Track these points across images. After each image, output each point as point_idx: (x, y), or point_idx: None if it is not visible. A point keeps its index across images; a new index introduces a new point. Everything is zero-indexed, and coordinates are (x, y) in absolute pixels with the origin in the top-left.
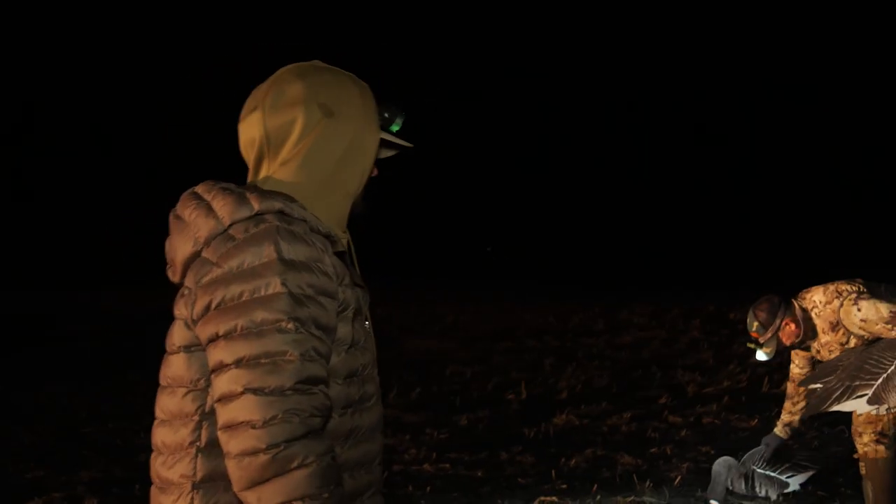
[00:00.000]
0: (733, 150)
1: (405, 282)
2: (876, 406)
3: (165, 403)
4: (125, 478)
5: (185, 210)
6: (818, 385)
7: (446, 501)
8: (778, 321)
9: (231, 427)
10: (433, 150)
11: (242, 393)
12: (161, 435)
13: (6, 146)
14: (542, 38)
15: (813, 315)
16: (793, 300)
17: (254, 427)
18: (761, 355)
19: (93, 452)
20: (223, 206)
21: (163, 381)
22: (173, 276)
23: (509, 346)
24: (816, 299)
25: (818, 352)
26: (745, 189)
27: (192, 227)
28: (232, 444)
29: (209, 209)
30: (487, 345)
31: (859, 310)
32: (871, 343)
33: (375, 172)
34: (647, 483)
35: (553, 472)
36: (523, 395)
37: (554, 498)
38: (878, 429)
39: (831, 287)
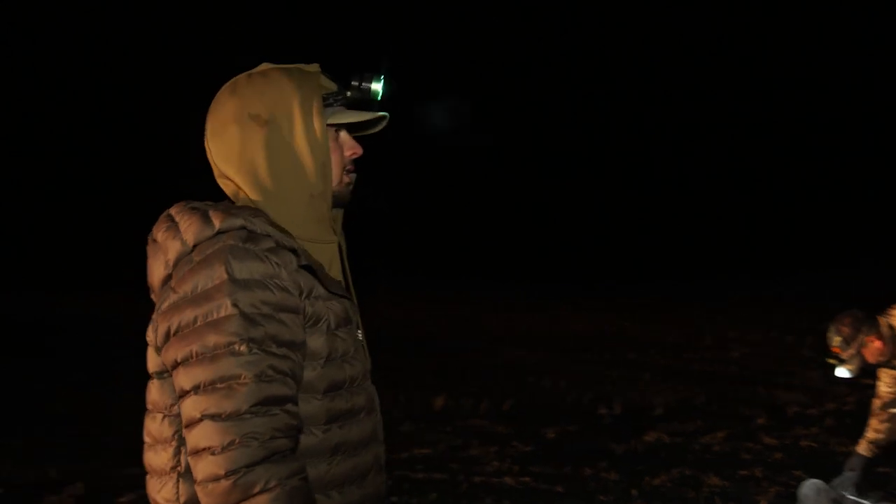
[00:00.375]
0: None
1: (487, 286)
2: None
3: (149, 427)
4: None
5: (159, 232)
6: None
7: None
8: (861, 337)
9: (195, 453)
10: (505, 155)
11: (201, 419)
12: (148, 458)
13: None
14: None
15: None
16: (878, 317)
17: (213, 454)
18: (842, 372)
19: None
20: (188, 228)
21: (147, 405)
22: (156, 299)
23: (609, 358)
24: None
25: None
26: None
27: (163, 250)
28: (197, 470)
29: (177, 231)
30: (588, 357)
31: None
32: None
33: (358, 153)
34: None
35: (635, 490)
36: (617, 409)
37: None
38: None
39: None
